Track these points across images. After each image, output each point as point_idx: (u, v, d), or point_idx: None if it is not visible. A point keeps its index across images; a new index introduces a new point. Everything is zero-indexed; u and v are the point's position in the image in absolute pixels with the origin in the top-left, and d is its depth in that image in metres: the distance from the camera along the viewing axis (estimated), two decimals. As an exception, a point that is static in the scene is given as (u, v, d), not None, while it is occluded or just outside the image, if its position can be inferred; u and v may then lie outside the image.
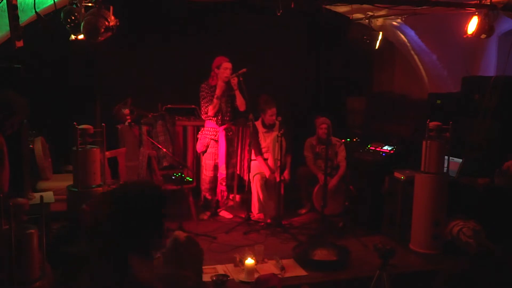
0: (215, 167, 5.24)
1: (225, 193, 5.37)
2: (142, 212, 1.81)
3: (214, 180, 5.27)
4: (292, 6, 4.14)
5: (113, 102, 5.61)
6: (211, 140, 5.20)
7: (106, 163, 4.46)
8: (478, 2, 4.52)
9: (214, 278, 3.61)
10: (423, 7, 4.64)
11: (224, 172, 5.26)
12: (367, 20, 5.64)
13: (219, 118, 5.17)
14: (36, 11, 3.61)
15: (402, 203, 4.70)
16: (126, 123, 5.46)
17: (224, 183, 5.29)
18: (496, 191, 4.45)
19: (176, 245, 2.57)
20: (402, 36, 5.93)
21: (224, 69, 5.05)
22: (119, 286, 1.75)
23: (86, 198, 3.67)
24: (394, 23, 5.71)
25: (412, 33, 5.79)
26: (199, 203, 5.42)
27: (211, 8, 5.91)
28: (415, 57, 6.10)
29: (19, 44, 3.46)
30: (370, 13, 5.56)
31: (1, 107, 3.41)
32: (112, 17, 3.62)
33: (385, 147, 5.31)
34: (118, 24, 3.67)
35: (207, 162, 5.24)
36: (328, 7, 5.19)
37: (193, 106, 5.73)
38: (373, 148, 5.39)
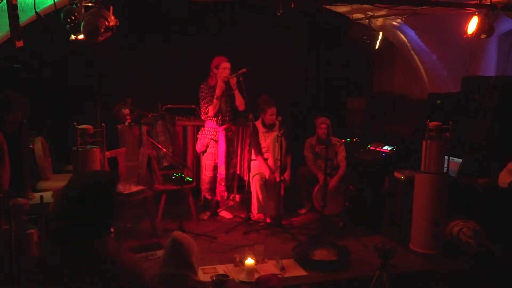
0: (215, 167, 5.24)
1: (224, 193, 5.36)
2: (93, 197, 1.84)
3: (214, 180, 5.26)
4: (292, 6, 4.13)
5: (113, 102, 5.61)
6: (211, 140, 5.20)
7: (106, 163, 4.45)
8: (478, 2, 4.52)
9: (214, 278, 3.60)
10: (423, 7, 4.64)
11: (223, 172, 5.25)
12: (367, 20, 5.64)
13: (219, 118, 5.17)
14: (36, 11, 3.60)
15: (402, 203, 4.70)
16: (126, 123, 5.46)
17: (223, 183, 5.28)
18: (496, 191, 4.44)
19: (175, 245, 2.58)
20: (402, 36, 5.92)
21: (223, 69, 5.04)
22: (106, 272, 1.78)
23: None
24: (394, 23, 5.71)
25: (412, 33, 5.79)
26: (199, 203, 5.41)
27: (211, 8, 5.91)
28: (415, 57, 6.10)
29: (19, 44, 3.46)
30: (370, 13, 5.56)
31: (1, 106, 3.41)
32: (112, 17, 3.62)
33: (385, 147, 5.31)
34: (118, 24, 3.67)
35: (207, 162, 5.24)
36: (328, 7, 5.19)
37: (193, 106, 5.72)
38: (373, 148, 5.39)
